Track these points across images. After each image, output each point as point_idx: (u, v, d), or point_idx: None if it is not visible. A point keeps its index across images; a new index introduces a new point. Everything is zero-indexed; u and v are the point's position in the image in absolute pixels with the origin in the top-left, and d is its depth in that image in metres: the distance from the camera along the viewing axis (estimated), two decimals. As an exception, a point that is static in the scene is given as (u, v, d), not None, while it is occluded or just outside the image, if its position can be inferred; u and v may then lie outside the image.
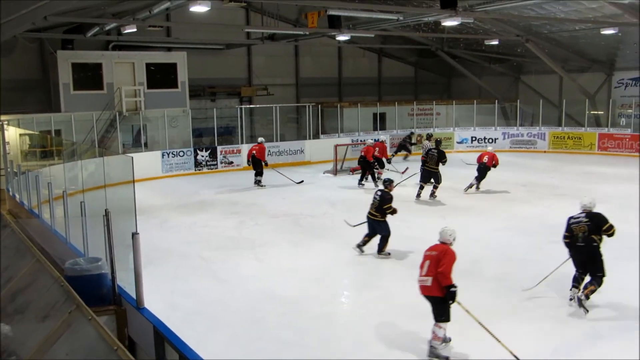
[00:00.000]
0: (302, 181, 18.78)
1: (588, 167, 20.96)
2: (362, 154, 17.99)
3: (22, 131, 18.72)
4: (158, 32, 23.06)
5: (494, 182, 17.45)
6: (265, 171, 18.16)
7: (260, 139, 18.84)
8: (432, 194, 15.65)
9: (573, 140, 25.06)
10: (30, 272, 6.25)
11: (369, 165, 17.85)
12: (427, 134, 21.73)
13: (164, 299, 8.46)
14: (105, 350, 4.07)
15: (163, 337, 5.67)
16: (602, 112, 26.35)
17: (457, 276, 9.37)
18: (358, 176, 18.31)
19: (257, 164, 18.08)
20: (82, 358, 4.42)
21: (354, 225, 11.58)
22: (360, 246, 10.66)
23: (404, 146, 23.79)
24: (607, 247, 10.71)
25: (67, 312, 4.79)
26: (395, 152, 23.34)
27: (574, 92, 26.72)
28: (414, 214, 13.81)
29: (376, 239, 10.66)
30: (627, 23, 20.05)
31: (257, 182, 18.16)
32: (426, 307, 8.04)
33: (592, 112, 26.23)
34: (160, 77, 22.57)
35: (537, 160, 20.68)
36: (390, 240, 11.53)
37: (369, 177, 17.80)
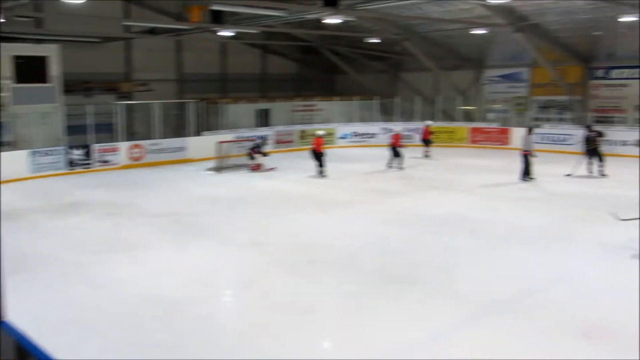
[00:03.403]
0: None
1: (460, 159, 22.14)
2: (314, 145, 18.72)
3: None
4: (28, 22, 21.55)
5: (373, 176, 18.04)
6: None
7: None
8: None
9: (447, 134, 26.36)
10: None
11: (316, 156, 18.45)
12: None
13: (31, 309, 7.94)
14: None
15: (26, 352, 5.31)
16: (473, 107, 27.92)
17: (337, 269, 9.65)
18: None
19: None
20: None
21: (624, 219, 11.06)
22: None
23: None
24: (477, 236, 11.48)
25: None
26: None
27: (448, 88, 28.13)
28: (297, 210, 13.98)
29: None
30: (495, 24, 21.38)
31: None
32: (304, 303, 8.19)
33: (463, 108, 27.74)
34: (30, 71, 21.04)
35: (413, 154, 21.52)
36: (271, 238, 11.63)
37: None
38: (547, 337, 6.95)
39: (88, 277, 9.48)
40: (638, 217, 10.92)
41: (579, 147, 19.45)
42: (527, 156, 17.10)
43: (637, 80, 23.49)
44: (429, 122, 24.02)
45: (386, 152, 20.04)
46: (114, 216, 13.66)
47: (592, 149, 17.81)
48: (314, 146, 18.78)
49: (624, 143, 21.64)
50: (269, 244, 11.13)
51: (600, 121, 23.82)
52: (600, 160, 17.77)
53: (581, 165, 17.90)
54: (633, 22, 18.50)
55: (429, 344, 6.91)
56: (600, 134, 18.08)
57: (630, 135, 21.48)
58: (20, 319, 6.08)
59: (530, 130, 17.72)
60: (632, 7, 16.90)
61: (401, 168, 19.37)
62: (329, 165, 19.16)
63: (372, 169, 19.56)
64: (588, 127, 18.97)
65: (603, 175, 17.58)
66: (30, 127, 20.00)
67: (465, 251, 10.46)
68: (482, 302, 8.11)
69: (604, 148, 18.17)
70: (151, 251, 10.81)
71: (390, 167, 19.57)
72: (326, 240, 11.33)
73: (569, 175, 17.78)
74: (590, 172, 17.77)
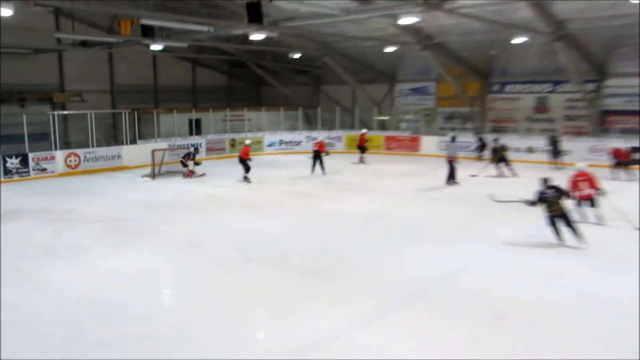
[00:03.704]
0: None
1: (377, 165, 22.60)
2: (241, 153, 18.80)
3: None
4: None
5: (299, 180, 18.19)
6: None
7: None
8: None
9: (366, 142, 26.81)
10: None
11: (243, 163, 18.47)
12: None
13: (-29, 314, 7.59)
14: None
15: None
16: (387, 118, 28.59)
17: (270, 265, 9.70)
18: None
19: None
20: None
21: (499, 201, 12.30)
22: None
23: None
24: (392, 233, 11.80)
25: None
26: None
27: (364, 100, 28.68)
28: (230, 212, 13.92)
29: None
30: (405, 42, 22.02)
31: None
32: (240, 298, 8.19)
33: (378, 118, 28.38)
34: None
35: (335, 161, 21.76)
36: (207, 239, 11.53)
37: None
38: (455, 320, 7.30)
39: (29, 281, 9.09)
40: (511, 200, 11.71)
41: (476, 153, 20.53)
42: (451, 162, 17.37)
43: (528, 95, 24.83)
44: (364, 130, 24.47)
45: (310, 159, 20.18)
46: (53, 222, 13.08)
47: (500, 158, 18.97)
48: (241, 154, 18.70)
49: (517, 150, 22.78)
50: (205, 245, 11.03)
51: (496, 130, 24.88)
52: (507, 164, 18.94)
53: (486, 169, 18.88)
54: (523, 43, 19.53)
55: (352, 329, 7.08)
56: (504, 147, 19.26)
57: (523, 142, 22.74)
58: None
59: (453, 139, 18.25)
60: (523, 30, 17.87)
61: (324, 174, 19.56)
62: (259, 171, 19.25)
63: (298, 174, 19.72)
64: (495, 140, 20.02)
65: (514, 175, 18.68)
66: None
67: (382, 247, 10.72)
68: (398, 291, 8.38)
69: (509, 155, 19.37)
70: (90, 255, 10.46)
71: (313, 172, 19.69)
72: (259, 239, 11.35)
73: (474, 175, 18.64)
74: (501, 174, 18.82)
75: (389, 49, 22.57)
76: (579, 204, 11.98)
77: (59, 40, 22.97)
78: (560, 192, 10.33)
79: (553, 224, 10.38)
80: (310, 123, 29.72)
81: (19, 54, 23.47)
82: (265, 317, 7.60)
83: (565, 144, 21.26)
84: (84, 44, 22.46)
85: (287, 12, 17.90)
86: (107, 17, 23.78)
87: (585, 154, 20.71)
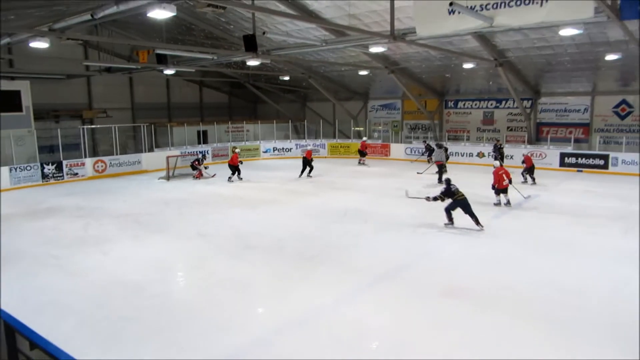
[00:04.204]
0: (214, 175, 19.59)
1: (354, 167, 22.64)
2: (305, 155, 19.51)
3: None
4: (1, 63, 19.96)
5: (289, 181, 18.10)
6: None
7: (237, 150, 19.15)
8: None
9: (344, 148, 26.88)
10: None
11: (232, 167, 18.59)
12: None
13: (15, 295, 7.43)
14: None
15: (13, 329, 4.94)
16: (362, 128, 28.61)
17: (266, 252, 9.62)
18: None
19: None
20: None
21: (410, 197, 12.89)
22: None
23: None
24: (368, 223, 11.76)
25: None
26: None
27: (343, 114, 28.68)
28: (232, 207, 13.81)
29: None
30: (375, 67, 22.06)
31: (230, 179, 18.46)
32: (242, 279, 8.13)
33: (355, 128, 28.39)
34: (5, 102, 19.52)
35: (320, 164, 21.81)
36: (213, 230, 11.41)
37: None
38: (421, 297, 7.32)
39: (62, 267, 8.98)
40: (420, 197, 12.53)
41: (426, 156, 20.71)
42: (440, 166, 17.40)
43: (477, 109, 25.01)
44: (365, 138, 24.95)
45: (299, 163, 20.09)
46: (83, 218, 12.93)
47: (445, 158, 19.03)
48: (231, 160, 18.83)
49: (470, 154, 23.00)
50: (212, 235, 10.95)
51: (451, 139, 25.12)
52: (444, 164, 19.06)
53: (428, 169, 19.43)
54: (472, 68, 19.66)
55: (338, 305, 7.08)
56: (446, 149, 19.57)
57: (474, 148, 22.92)
58: (7, 303, 5.72)
59: (440, 146, 18.19)
60: (471, 57, 17.97)
61: (310, 176, 19.48)
62: (257, 173, 19.22)
63: (289, 176, 19.64)
64: (438, 145, 20.06)
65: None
66: (8, 148, 18.59)
67: (360, 235, 10.73)
68: (374, 273, 8.36)
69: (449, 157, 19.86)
70: (115, 244, 10.35)
71: (302, 175, 19.56)
72: (257, 230, 11.29)
73: (420, 173, 19.15)
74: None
75: (362, 72, 22.66)
76: (498, 192, 13.06)
77: (87, 68, 22.73)
78: (456, 188, 11.12)
79: (453, 208, 11.03)
80: (298, 133, 29.68)
81: (55, 79, 23.16)
82: (264, 295, 7.53)
83: (508, 150, 21.48)
84: (108, 70, 22.22)
85: (277, 43, 17.82)
86: (128, 48, 23.60)
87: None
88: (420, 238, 10.44)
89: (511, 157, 21.18)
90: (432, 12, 10.88)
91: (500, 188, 13.02)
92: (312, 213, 13.02)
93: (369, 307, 6.94)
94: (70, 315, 6.89)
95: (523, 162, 17.23)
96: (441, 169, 17.42)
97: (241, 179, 18.70)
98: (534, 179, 16.92)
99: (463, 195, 10.95)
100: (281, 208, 13.80)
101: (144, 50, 18.22)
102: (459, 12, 10.34)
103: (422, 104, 25.57)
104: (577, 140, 21.72)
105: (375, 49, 14.03)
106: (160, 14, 9.11)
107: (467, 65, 19.08)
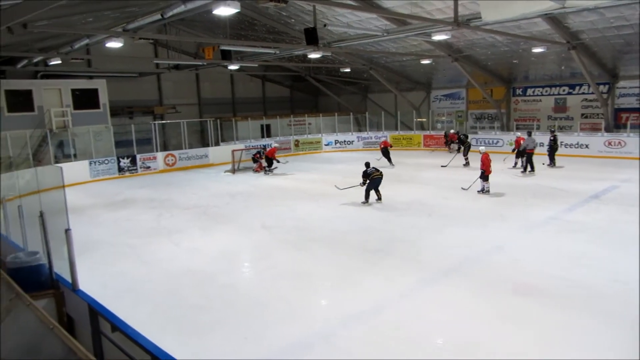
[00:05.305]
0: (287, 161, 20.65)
1: (417, 159, 22.14)
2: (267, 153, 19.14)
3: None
4: (80, 63, 21.36)
5: (351, 173, 18.01)
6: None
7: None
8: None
9: (406, 140, 26.43)
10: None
11: (269, 160, 19.05)
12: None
13: (96, 281, 7.90)
14: (43, 330, 3.72)
15: (97, 312, 5.27)
16: (424, 119, 27.99)
17: (329, 244, 9.62)
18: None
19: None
20: (22, 339, 4.01)
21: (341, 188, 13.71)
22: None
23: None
24: (433, 217, 11.43)
25: (8, 300, 4.33)
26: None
27: (405, 105, 28.18)
28: (295, 200, 13.93)
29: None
30: (438, 55, 21.44)
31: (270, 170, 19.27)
32: (305, 271, 8.20)
33: (418, 120, 27.82)
34: (84, 100, 20.93)
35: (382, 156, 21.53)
36: (277, 222, 11.57)
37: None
38: (490, 293, 7.03)
39: (138, 256, 9.46)
40: (351, 186, 13.52)
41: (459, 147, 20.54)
42: (530, 154, 16.65)
43: (547, 97, 23.71)
44: (452, 131, 24.10)
45: (361, 156, 19.94)
46: (155, 209, 13.59)
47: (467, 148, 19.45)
48: (268, 153, 19.36)
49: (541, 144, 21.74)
50: (275, 227, 11.12)
51: (520, 128, 23.98)
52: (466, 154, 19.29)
53: (453, 160, 19.50)
54: (542, 53, 18.65)
55: (402, 299, 6.96)
56: (466, 136, 20.44)
57: (545, 138, 21.66)
58: (89, 288, 6.07)
59: (529, 134, 17.46)
60: (541, 41, 17.05)
61: (392, 165, 19.56)
62: (318, 166, 19.28)
63: (351, 169, 19.52)
64: (456, 134, 20.53)
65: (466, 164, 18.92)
66: (87, 143, 19.90)
67: (424, 229, 10.50)
68: (439, 267, 8.15)
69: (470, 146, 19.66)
70: (186, 235, 10.77)
71: (392, 164, 19.74)
72: (319, 222, 11.33)
73: (444, 166, 18.98)
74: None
75: (425, 62, 22.13)
76: (486, 179, 13.38)
77: (157, 65, 23.78)
78: (376, 169, 12.82)
79: (371, 188, 12.63)
80: (359, 125, 29.50)
81: (128, 77, 24.43)
82: (327, 288, 7.55)
83: (583, 138, 20.21)
84: (176, 67, 23.15)
85: (337, 35, 17.74)
86: (194, 45, 24.44)
87: (600, 147, 19.68)
88: (488, 232, 10.04)
89: (586, 147, 19.87)
90: (500, -5, 10.39)
91: (488, 174, 13.34)
92: (376, 205, 12.89)
93: (434, 302, 6.77)
94: (146, 301, 7.25)
95: (513, 147, 17.67)
96: (530, 157, 16.70)
97: (271, 171, 19.23)
98: (533, 167, 16.76)
99: (380, 174, 12.62)
100: (343, 200, 13.71)
101: (210, 47, 18.76)
102: (529, -6, 9.79)
103: (488, 92, 24.60)
104: (661, 127, 20.08)
105: (438, 37, 13.68)
106: (225, 10, 9.33)
107: (537, 50, 18.13)
